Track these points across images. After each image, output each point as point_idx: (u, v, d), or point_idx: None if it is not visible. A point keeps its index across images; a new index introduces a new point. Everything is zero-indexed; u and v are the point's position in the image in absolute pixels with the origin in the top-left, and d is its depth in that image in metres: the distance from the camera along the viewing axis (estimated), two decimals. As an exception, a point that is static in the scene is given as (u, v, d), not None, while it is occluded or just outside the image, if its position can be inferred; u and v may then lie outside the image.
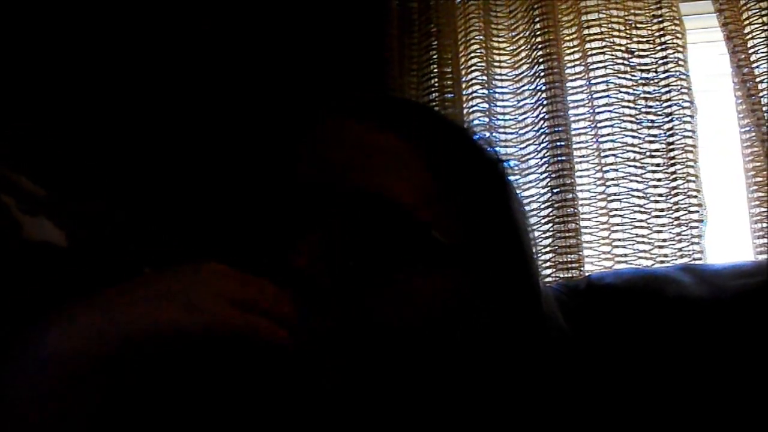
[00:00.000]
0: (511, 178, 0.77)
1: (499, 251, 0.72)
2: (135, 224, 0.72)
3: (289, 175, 0.69)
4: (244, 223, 0.69)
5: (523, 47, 1.82)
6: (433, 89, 1.82)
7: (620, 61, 1.77)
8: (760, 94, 1.67)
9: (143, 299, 0.56)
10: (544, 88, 1.77)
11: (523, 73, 1.82)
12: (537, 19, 1.79)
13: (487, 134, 1.74)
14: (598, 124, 1.76)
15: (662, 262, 1.66)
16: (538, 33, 1.78)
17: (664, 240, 1.68)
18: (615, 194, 1.73)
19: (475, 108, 1.82)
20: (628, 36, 1.78)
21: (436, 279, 0.66)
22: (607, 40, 1.78)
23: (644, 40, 1.77)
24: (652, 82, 1.75)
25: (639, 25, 1.78)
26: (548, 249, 1.67)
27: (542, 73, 1.77)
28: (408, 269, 0.65)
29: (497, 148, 0.78)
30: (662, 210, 1.70)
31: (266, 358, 0.59)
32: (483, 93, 1.82)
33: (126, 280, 0.61)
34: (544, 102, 1.76)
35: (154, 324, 0.54)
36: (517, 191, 0.78)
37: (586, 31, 1.80)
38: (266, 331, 0.58)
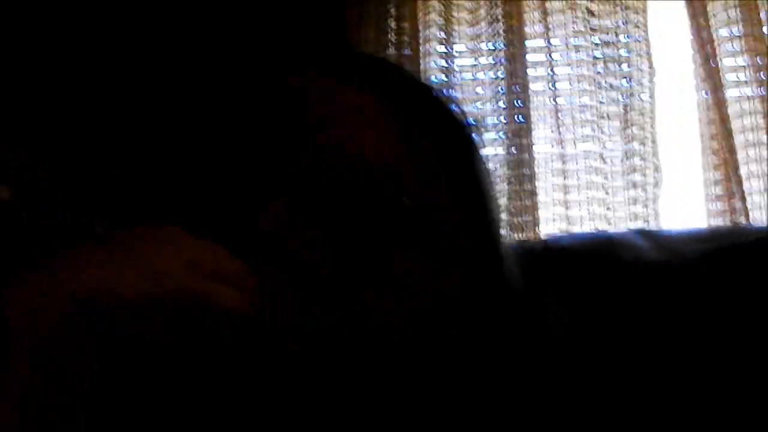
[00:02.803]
0: (477, 138, 0.75)
1: (466, 214, 0.70)
2: (86, 180, 0.69)
3: (256, 136, 0.66)
4: (205, 185, 0.66)
5: (482, 4, 1.80)
6: (390, 45, 1.79)
7: (581, 21, 1.75)
8: (718, 59, 1.66)
9: (105, 263, 0.53)
10: (503, 46, 1.75)
11: (482, 30, 1.80)
12: (498, -25, 1.76)
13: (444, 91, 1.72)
14: (556, 85, 1.75)
15: (616, 224, 1.66)
16: (499, -10, 1.76)
17: (619, 202, 1.68)
18: (571, 155, 1.72)
19: (432, 65, 1.79)
20: (589, -4, 1.76)
21: (416, 261, 0.64)
22: (568, 0, 1.76)
23: (606, 0, 1.76)
24: (612, 44, 1.74)
25: (601, -14, 1.76)
26: (503, 209, 1.66)
27: (501, 32, 1.75)
28: (391, 249, 0.63)
29: (462, 107, 0.76)
30: (618, 172, 1.70)
31: (228, 327, 0.56)
32: (441, 50, 1.80)
33: (77, 238, 0.58)
34: (503, 61, 1.75)
35: (116, 289, 0.52)
36: (481, 152, 0.76)
37: (547, -10, 1.78)
38: (228, 299, 0.55)
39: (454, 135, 0.72)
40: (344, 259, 0.61)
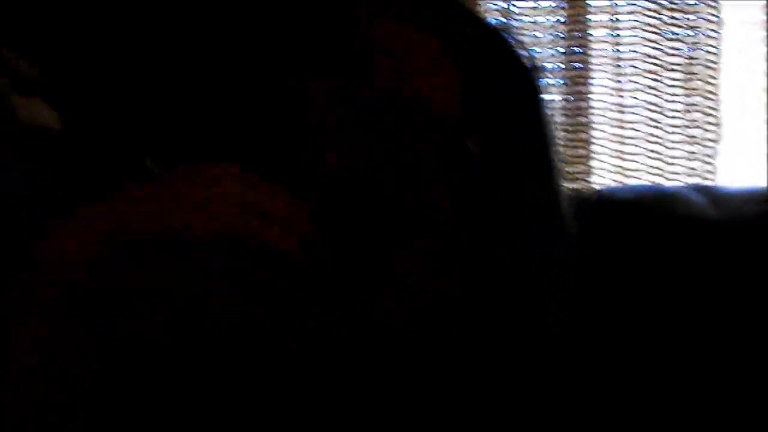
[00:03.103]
0: (542, 84, 0.72)
1: (527, 162, 0.68)
2: (138, 115, 0.68)
3: (308, 73, 0.64)
4: (262, 123, 0.65)
5: (546, -55, 1.75)
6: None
7: (647, -33, 1.70)
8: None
9: (153, 199, 0.53)
10: (565, -10, 1.71)
11: (544, -28, 1.75)
12: None
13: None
14: (619, 33, 1.70)
15: (673, 179, 1.63)
16: (563, -69, 1.71)
17: (677, 157, 1.65)
18: (630, 106, 1.68)
19: (492, 6, 1.75)
20: (657, -58, 1.70)
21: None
22: (635, -56, 1.71)
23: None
24: (679, -9, 1.69)
25: (669, -68, 1.70)
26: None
27: (564, -26, 1.71)
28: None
29: (532, 52, 0.73)
30: (677, 126, 1.66)
31: (276, 267, 0.56)
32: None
33: (128, 173, 0.58)
34: (564, 5, 1.70)
35: (163, 225, 0.52)
36: (545, 99, 0.74)
37: (613, -66, 1.72)
38: (274, 238, 0.55)
39: (520, 80, 0.70)
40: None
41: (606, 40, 1.72)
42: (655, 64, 1.68)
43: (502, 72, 0.69)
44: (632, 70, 1.69)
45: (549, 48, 1.72)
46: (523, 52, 0.75)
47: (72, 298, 0.50)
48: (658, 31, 1.68)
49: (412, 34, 0.65)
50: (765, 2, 1.64)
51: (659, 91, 1.67)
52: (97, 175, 0.61)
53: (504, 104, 0.67)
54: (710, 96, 1.65)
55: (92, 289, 0.50)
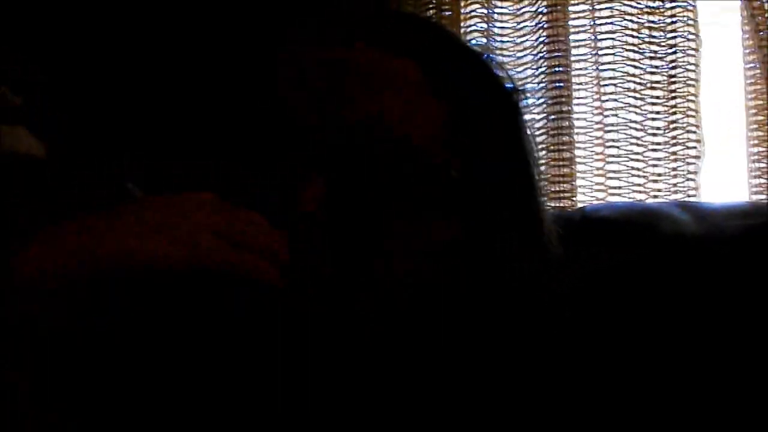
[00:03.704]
0: (524, 107, 0.73)
1: (510, 188, 0.69)
2: (121, 139, 0.68)
3: (285, 105, 0.64)
4: (244, 156, 0.65)
5: (526, -33, 1.76)
6: (430, 6, 1.76)
7: (627, -14, 1.71)
8: (769, 29, 1.62)
9: (126, 227, 0.52)
10: (545, 10, 1.71)
11: (525, -7, 1.76)
12: (542, -64, 1.72)
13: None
14: (599, 52, 1.71)
15: (656, 196, 1.63)
16: (543, -48, 1.72)
17: (660, 174, 1.65)
18: (612, 125, 1.69)
19: (473, 28, 1.76)
20: (635, -38, 1.72)
21: (441, 226, 0.63)
22: (614, -36, 1.72)
23: (653, -34, 1.71)
24: (657, 11, 1.70)
25: (648, -48, 1.72)
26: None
27: (545, -5, 1.72)
28: (412, 217, 0.62)
29: (512, 74, 0.74)
30: (659, 144, 1.66)
31: (254, 296, 0.55)
32: (482, 12, 1.77)
33: (108, 196, 0.58)
34: (545, 25, 1.72)
35: (135, 253, 0.51)
36: (528, 121, 0.74)
37: (593, -46, 1.73)
38: (254, 268, 0.54)
39: (502, 104, 0.71)
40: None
41: (587, 59, 1.73)
42: (636, 83, 1.68)
43: (484, 94, 0.70)
44: (613, 88, 1.69)
45: (530, 68, 1.73)
46: (505, 73, 0.75)
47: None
48: (638, 50, 1.69)
49: (393, 61, 0.65)
50: (742, 19, 1.65)
51: (641, 109, 1.68)
52: (79, 198, 0.61)
53: (486, 127, 0.67)
54: (691, 113, 1.65)
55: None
